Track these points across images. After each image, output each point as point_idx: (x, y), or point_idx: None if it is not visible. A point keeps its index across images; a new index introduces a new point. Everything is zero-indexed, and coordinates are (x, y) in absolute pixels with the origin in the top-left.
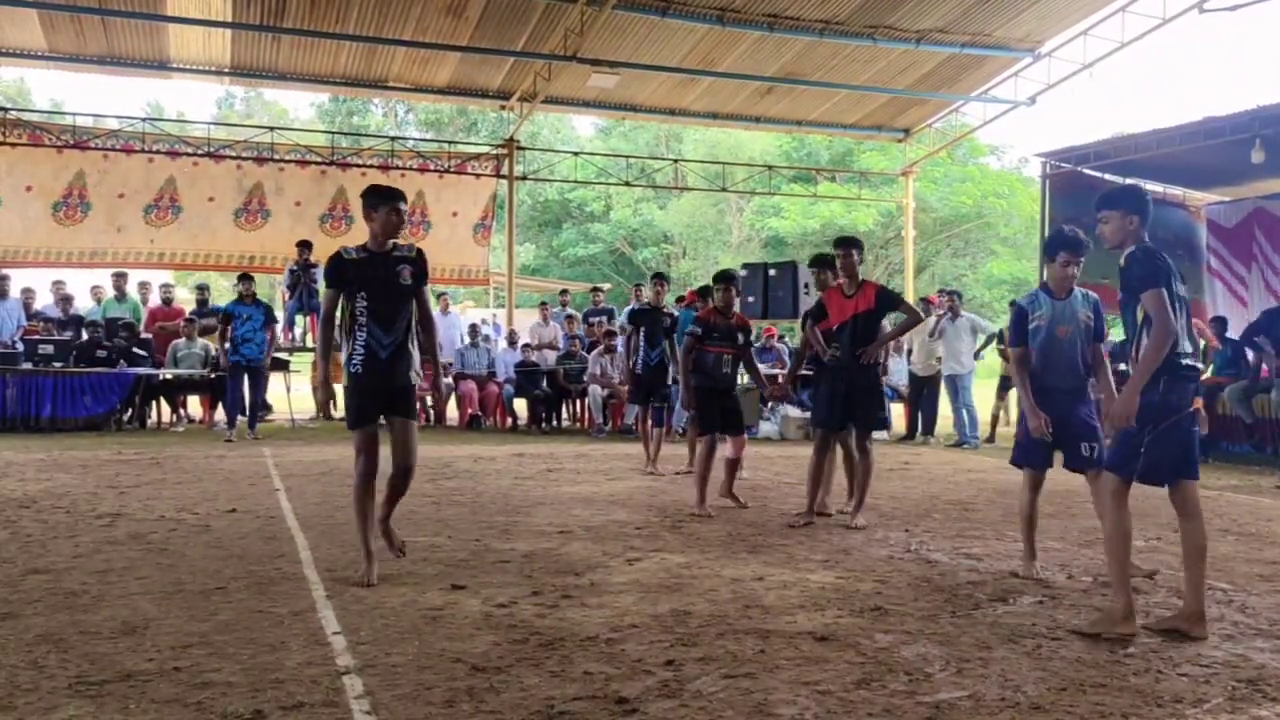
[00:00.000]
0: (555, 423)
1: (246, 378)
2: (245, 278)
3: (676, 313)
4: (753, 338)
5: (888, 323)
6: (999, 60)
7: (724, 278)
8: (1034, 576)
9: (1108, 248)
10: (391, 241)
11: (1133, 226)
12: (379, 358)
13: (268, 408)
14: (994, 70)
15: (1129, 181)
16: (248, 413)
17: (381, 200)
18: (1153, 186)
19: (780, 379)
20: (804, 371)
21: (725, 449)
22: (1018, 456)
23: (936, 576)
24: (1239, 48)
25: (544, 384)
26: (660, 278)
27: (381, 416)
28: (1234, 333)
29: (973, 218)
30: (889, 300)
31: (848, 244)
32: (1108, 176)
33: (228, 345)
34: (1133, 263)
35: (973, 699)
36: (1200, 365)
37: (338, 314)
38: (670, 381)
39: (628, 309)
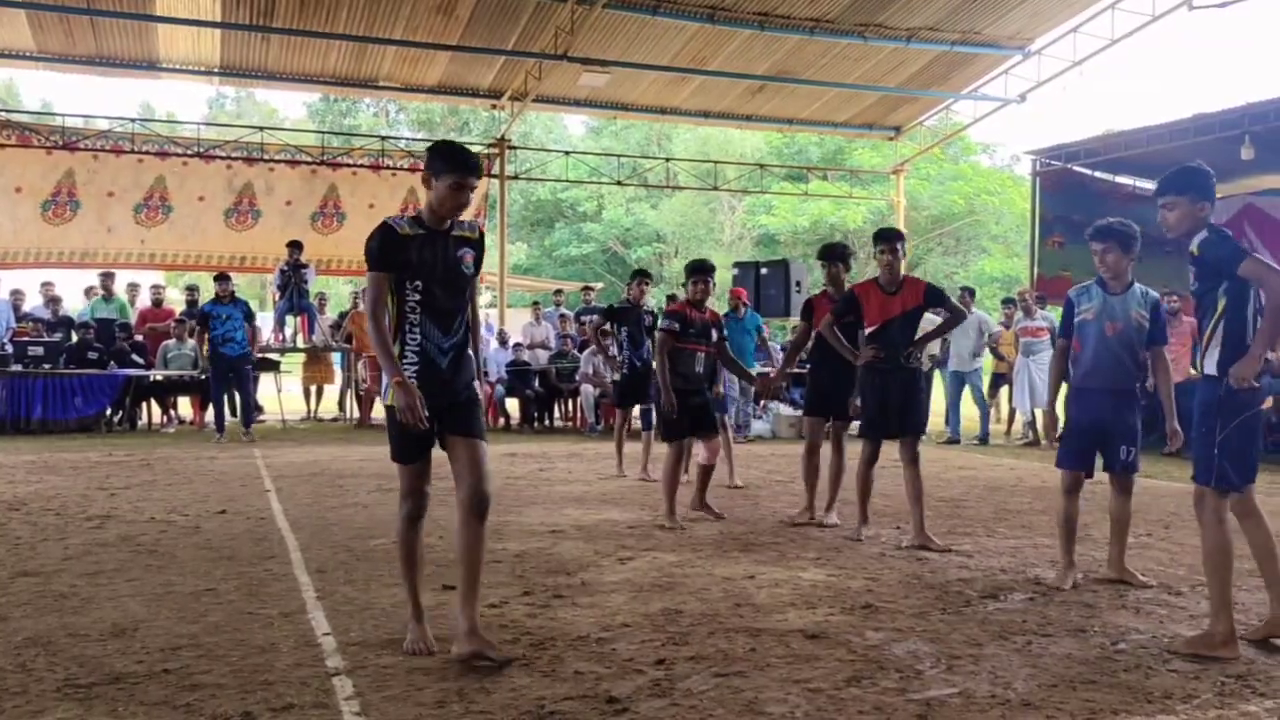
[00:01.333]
0: (548, 422)
1: (232, 377)
2: (221, 278)
3: (657, 311)
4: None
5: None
6: (989, 58)
7: (700, 269)
8: (1065, 587)
9: (1171, 236)
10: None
11: (1202, 214)
12: (438, 365)
13: (259, 409)
14: (984, 68)
15: (1194, 164)
16: (239, 412)
17: (448, 167)
18: (1143, 183)
19: (771, 374)
20: (795, 370)
21: (698, 454)
22: (1060, 458)
23: (927, 574)
24: (1228, 45)
25: (536, 383)
26: (642, 275)
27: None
28: None
29: (964, 216)
30: (936, 297)
31: (891, 237)
32: (1098, 174)
33: (206, 348)
34: (1210, 246)
35: (963, 696)
36: (1274, 359)
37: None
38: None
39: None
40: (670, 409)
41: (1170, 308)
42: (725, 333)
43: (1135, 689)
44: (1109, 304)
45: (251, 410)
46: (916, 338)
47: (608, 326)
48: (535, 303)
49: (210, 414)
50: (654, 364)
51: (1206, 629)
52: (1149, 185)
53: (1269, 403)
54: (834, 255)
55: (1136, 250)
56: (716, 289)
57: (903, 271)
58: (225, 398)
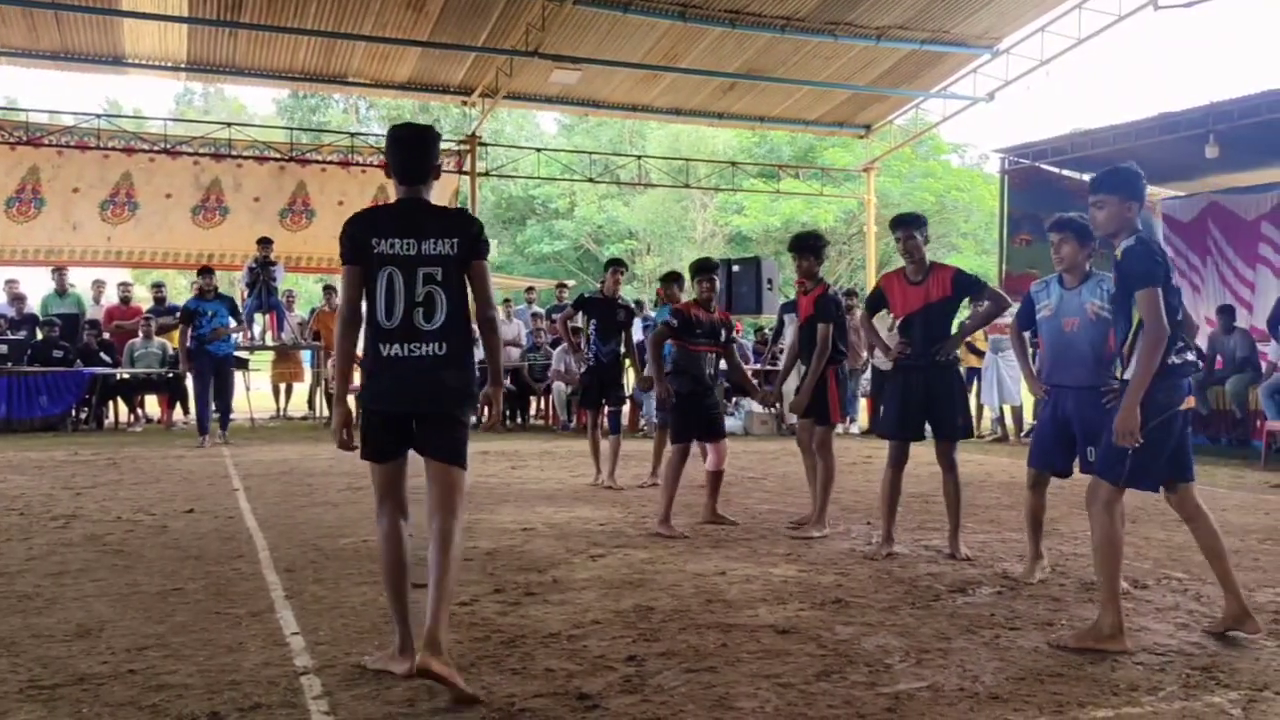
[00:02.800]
0: (521, 420)
1: (215, 377)
2: (205, 271)
3: (632, 304)
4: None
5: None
6: (958, 57)
7: (706, 268)
8: (1032, 580)
9: (1099, 235)
10: None
11: (1130, 214)
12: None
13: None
14: (953, 66)
15: (1125, 164)
16: (219, 415)
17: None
18: None
19: (773, 386)
20: (769, 366)
21: (707, 459)
22: (1029, 454)
23: (897, 569)
24: (1194, 44)
25: (508, 381)
26: (617, 264)
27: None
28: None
29: (934, 213)
30: (967, 285)
31: (908, 223)
32: (1065, 172)
33: (191, 345)
34: (1130, 257)
35: (932, 689)
36: (1194, 360)
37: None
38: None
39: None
40: (667, 396)
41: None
42: (733, 333)
43: (1101, 681)
44: (1065, 300)
45: (229, 413)
46: (953, 332)
47: (579, 319)
48: (506, 300)
49: (178, 413)
50: (643, 360)
51: (1094, 621)
52: None
53: (1190, 402)
54: (803, 248)
55: (1094, 244)
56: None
57: (824, 272)
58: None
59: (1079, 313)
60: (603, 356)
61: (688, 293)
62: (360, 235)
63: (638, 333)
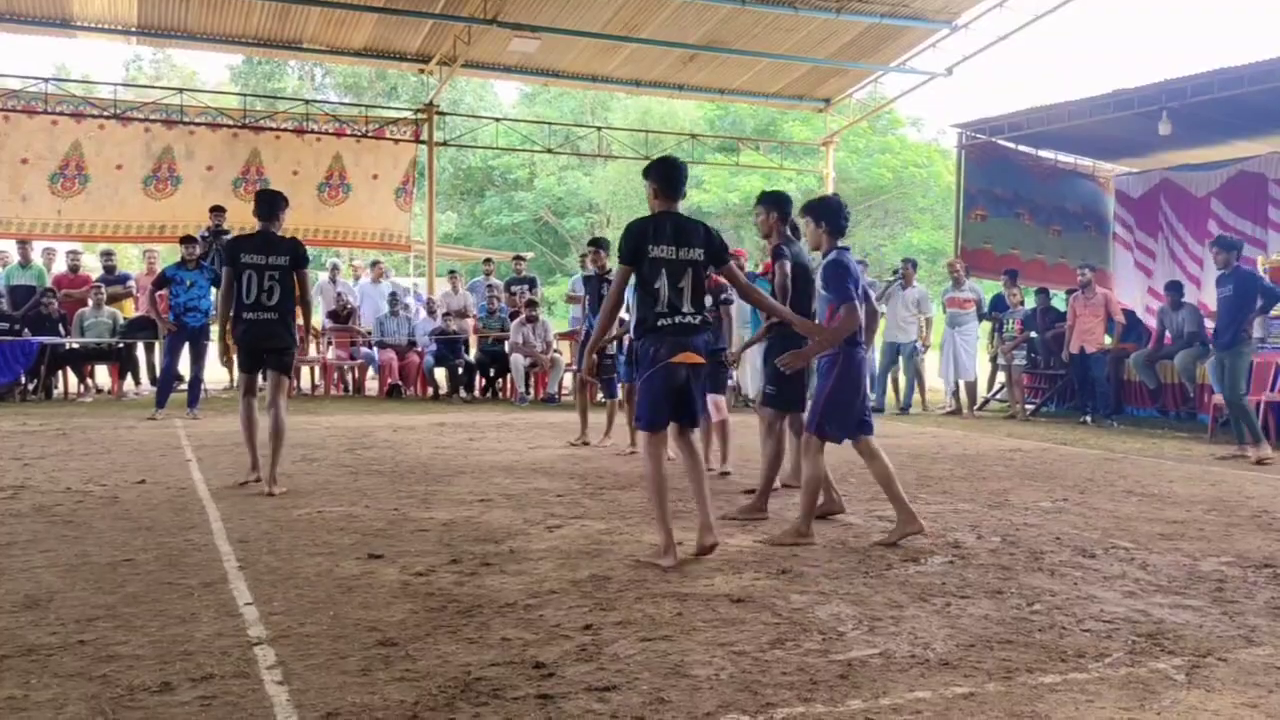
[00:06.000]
0: (491, 393)
1: (188, 348)
2: (188, 240)
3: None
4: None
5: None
6: (917, 31)
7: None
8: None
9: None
10: None
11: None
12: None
13: (179, 378)
14: (913, 41)
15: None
16: (188, 388)
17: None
18: (1063, 157)
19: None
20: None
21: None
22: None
23: (851, 539)
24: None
25: (464, 353)
26: (597, 243)
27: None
28: (1135, 302)
29: (892, 188)
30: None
31: (758, 201)
32: (1022, 147)
33: (168, 315)
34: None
35: (884, 656)
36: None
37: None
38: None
39: (577, 277)
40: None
41: (1083, 279)
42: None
43: (1050, 648)
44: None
45: (200, 388)
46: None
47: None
48: (452, 271)
49: (129, 383)
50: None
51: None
52: (1070, 159)
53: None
54: (768, 202)
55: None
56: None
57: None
58: (174, 372)
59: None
60: (591, 328)
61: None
62: (230, 253)
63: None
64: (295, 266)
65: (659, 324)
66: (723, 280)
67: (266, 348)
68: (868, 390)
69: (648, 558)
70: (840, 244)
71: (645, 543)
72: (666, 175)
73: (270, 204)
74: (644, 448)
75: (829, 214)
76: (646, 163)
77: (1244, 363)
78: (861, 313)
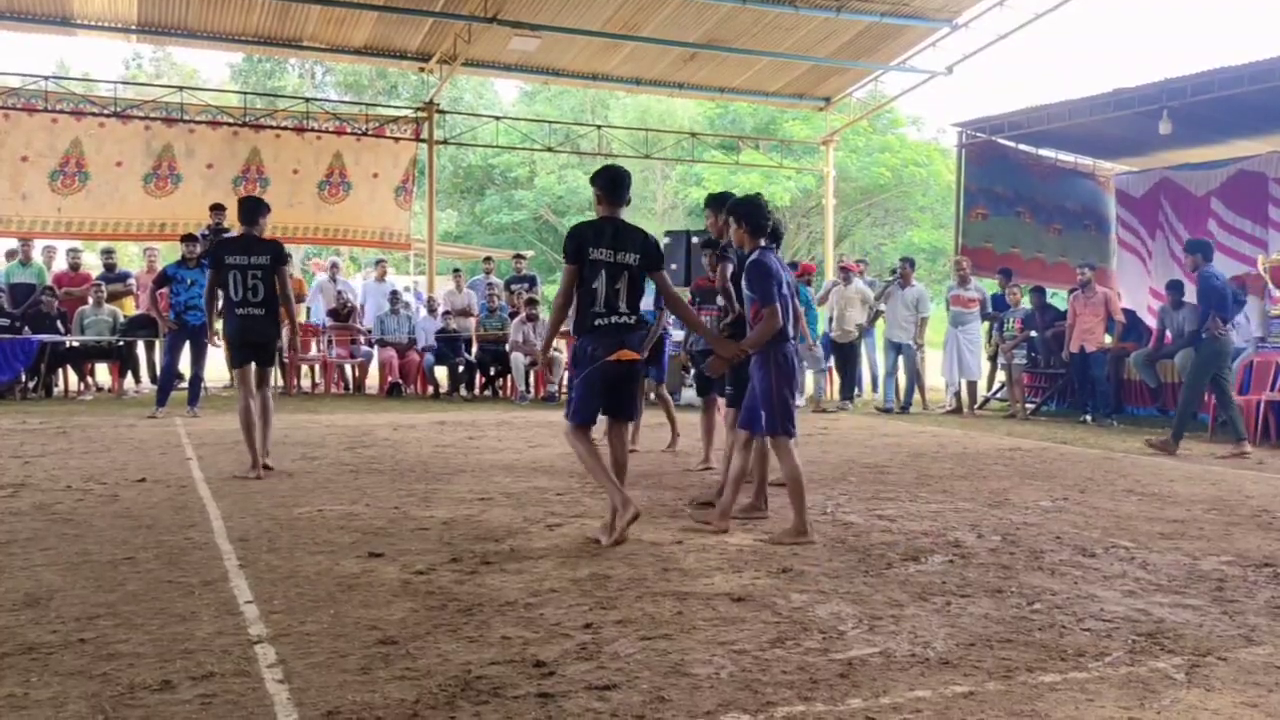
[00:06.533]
0: (492, 391)
1: (188, 347)
2: (189, 238)
3: None
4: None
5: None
6: (917, 30)
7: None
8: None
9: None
10: None
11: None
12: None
13: (180, 376)
14: (913, 40)
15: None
16: (189, 387)
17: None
18: (1064, 156)
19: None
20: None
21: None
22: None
23: (851, 537)
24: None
25: (465, 352)
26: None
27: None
28: (1136, 302)
29: (892, 187)
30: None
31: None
32: (1022, 146)
33: (170, 313)
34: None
35: (884, 655)
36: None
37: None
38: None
39: None
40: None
41: (1083, 278)
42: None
43: (1050, 647)
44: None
45: (200, 386)
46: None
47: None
48: (456, 270)
49: (129, 381)
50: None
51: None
52: (1070, 158)
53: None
54: (715, 204)
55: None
56: None
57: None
58: (174, 370)
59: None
60: None
61: None
62: (216, 255)
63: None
64: (275, 265)
65: (596, 323)
66: (711, 281)
67: (254, 342)
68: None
69: (597, 532)
70: (763, 243)
71: (646, 541)
72: (610, 183)
73: (252, 210)
74: (571, 438)
75: (749, 214)
76: (646, 161)
77: (1207, 359)
78: (786, 312)
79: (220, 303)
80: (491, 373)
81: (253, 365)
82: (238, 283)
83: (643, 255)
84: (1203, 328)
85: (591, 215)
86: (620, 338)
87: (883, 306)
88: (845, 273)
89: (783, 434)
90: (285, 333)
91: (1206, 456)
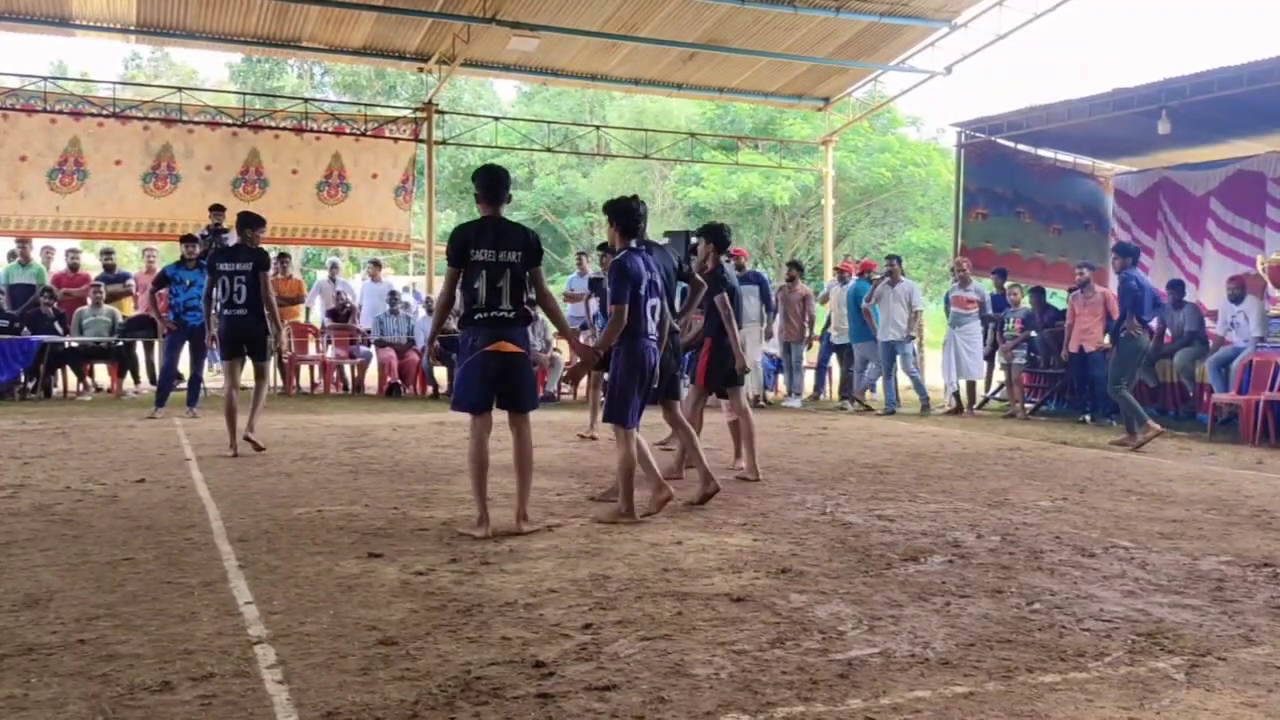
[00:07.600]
0: None
1: (188, 347)
2: (188, 239)
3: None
4: None
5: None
6: (916, 30)
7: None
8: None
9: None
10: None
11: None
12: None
13: (179, 377)
14: (912, 39)
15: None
16: (188, 387)
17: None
18: (1063, 156)
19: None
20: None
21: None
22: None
23: (851, 538)
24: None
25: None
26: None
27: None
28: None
29: (891, 187)
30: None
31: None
32: (1021, 146)
33: (169, 314)
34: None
35: (884, 656)
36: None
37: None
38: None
39: (574, 275)
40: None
41: (1082, 278)
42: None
43: (1049, 647)
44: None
45: (199, 387)
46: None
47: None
48: None
49: (128, 382)
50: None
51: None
52: (1069, 158)
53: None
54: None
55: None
56: None
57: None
58: (174, 370)
59: None
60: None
61: None
62: (211, 264)
63: None
64: (258, 270)
65: (476, 317)
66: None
67: (242, 339)
68: (652, 384)
69: (464, 529)
70: (633, 244)
71: (645, 541)
72: (489, 182)
73: (243, 223)
74: (470, 429)
75: (619, 215)
76: (645, 161)
77: (1124, 356)
78: (640, 311)
79: (217, 306)
80: None
81: (245, 360)
82: (225, 287)
83: (524, 253)
84: (1119, 327)
85: (591, 215)
86: (499, 330)
87: (878, 308)
88: (841, 274)
89: (618, 423)
90: (281, 332)
91: (1206, 456)
